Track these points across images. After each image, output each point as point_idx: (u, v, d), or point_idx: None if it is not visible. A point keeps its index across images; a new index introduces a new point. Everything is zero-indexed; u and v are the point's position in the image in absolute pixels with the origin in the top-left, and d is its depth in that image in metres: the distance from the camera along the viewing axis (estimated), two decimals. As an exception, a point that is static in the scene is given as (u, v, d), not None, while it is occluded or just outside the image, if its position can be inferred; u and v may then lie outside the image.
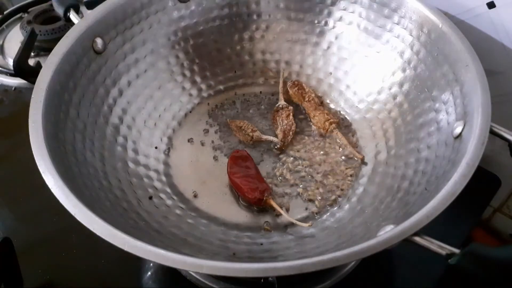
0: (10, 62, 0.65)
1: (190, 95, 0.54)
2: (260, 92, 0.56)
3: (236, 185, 0.45)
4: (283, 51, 0.56)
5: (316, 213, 0.45)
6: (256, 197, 0.43)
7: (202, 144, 0.51)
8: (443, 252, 0.30)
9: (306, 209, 0.45)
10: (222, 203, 0.46)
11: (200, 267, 0.29)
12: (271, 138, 0.50)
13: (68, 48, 0.42)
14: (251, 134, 0.50)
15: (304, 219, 0.44)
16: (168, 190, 0.46)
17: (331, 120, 0.50)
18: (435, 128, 0.43)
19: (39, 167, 0.34)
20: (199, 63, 0.55)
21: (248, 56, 0.56)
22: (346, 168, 0.48)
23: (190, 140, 0.51)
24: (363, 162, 0.48)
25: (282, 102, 0.53)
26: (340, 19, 0.53)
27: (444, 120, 0.42)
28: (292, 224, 0.43)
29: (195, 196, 0.46)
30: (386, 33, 0.50)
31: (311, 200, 0.46)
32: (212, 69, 0.55)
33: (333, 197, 0.46)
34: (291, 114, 0.52)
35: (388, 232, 0.31)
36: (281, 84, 0.54)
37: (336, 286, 0.44)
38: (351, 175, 0.47)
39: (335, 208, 0.45)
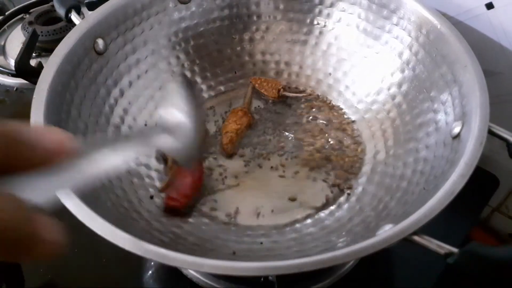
0: (12, 62, 0.66)
1: (191, 95, 0.54)
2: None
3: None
4: (283, 52, 0.56)
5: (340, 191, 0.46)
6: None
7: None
8: (442, 252, 0.30)
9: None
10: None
11: (201, 266, 0.29)
12: (296, 94, 0.54)
13: (70, 49, 0.42)
14: (279, 87, 0.53)
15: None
16: (169, 190, 0.47)
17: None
18: (434, 128, 0.43)
19: (40, 167, 0.34)
20: (199, 64, 0.55)
21: (248, 57, 0.57)
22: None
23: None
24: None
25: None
26: (339, 20, 0.53)
27: (443, 120, 0.42)
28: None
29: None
30: (385, 34, 0.50)
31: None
32: (212, 69, 0.56)
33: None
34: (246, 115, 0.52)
35: (387, 231, 0.31)
36: (249, 94, 0.55)
37: (336, 285, 0.44)
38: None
39: (335, 207, 0.45)
